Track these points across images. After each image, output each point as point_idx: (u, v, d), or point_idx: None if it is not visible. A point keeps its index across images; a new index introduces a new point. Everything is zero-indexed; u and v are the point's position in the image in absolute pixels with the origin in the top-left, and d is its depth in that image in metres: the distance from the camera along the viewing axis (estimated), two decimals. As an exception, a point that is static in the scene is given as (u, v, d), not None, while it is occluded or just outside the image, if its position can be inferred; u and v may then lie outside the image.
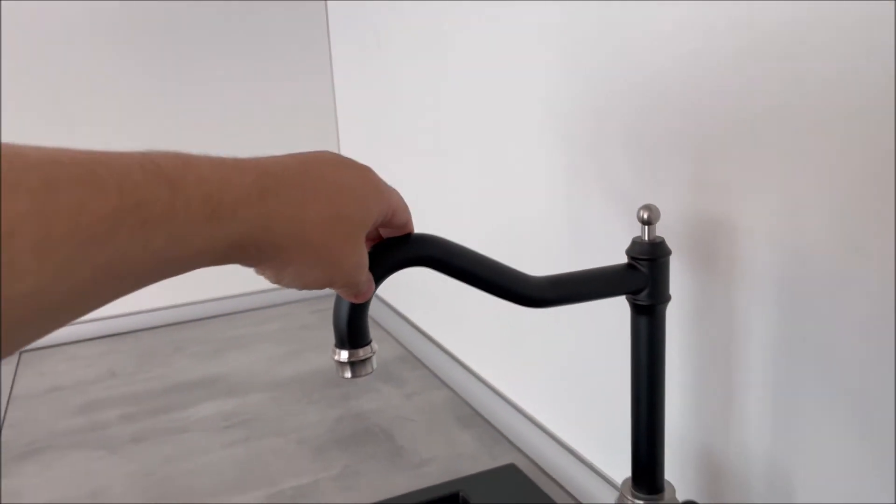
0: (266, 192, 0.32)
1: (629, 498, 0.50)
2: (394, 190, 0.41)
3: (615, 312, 0.62)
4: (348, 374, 0.41)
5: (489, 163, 0.82)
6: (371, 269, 0.39)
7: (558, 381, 0.75)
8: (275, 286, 1.33)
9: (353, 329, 0.40)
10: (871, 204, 0.41)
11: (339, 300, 0.40)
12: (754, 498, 0.52)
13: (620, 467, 0.67)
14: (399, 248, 0.41)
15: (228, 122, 1.28)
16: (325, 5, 1.31)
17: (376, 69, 1.12)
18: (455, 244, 0.42)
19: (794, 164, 0.45)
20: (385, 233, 0.42)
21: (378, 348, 0.42)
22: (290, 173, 0.34)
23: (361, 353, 0.41)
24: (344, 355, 0.41)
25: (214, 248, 0.30)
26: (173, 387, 1.03)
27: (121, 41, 1.19)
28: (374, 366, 0.42)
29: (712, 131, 0.50)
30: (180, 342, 1.20)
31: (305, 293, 1.36)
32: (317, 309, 1.31)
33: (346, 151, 1.32)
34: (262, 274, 0.36)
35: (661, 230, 0.54)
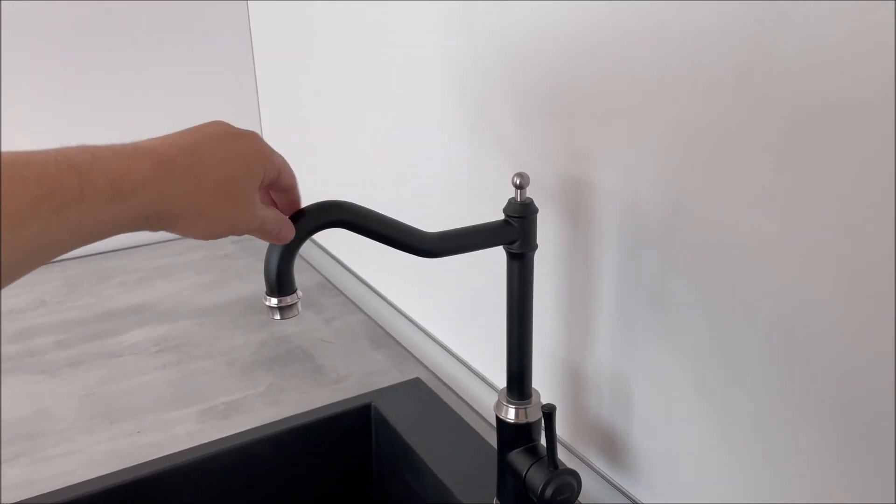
0: (161, 177, 0.39)
1: (504, 403, 0.63)
2: (278, 155, 0.48)
3: (502, 255, 0.74)
4: (278, 317, 0.50)
5: (398, 132, 0.91)
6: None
7: (458, 308, 0.87)
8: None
9: (280, 280, 0.49)
10: (692, 170, 0.53)
11: (268, 255, 0.49)
12: (603, 396, 0.66)
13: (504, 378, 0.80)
14: (318, 213, 0.50)
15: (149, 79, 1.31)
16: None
17: (294, 22, 1.16)
18: (363, 208, 0.52)
19: (634, 137, 0.56)
20: (275, 196, 0.50)
21: (302, 295, 0.51)
22: (183, 155, 0.41)
23: (289, 299, 0.50)
24: (274, 301, 0.50)
25: (121, 222, 0.38)
26: (103, 314, 1.10)
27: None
28: (300, 309, 0.50)
29: (578, 108, 0.61)
30: (106, 271, 1.26)
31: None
32: (237, 239, 1.38)
33: (266, 109, 1.37)
34: (170, 232, 0.43)
35: (539, 189, 0.65)
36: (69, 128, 1.27)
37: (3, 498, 0.72)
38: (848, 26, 0.41)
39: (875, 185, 0.41)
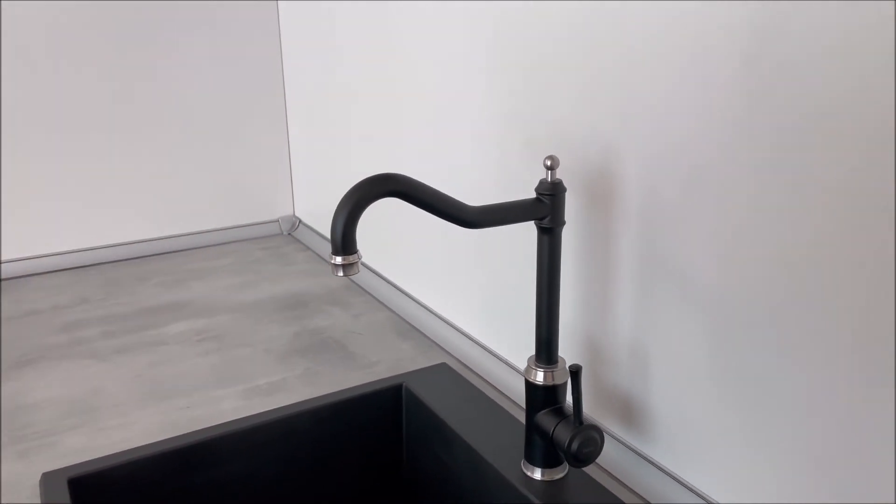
0: None
1: (533, 367, 0.69)
2: None
3: (521, 247, 0.81)
4: (341, 273, 0.57)
5: (428, 131, 0.99)
6: (354, 200, 0.56)
7: (478, 298, 0.94)
8: (227, 225, 1.47)
9: (345, 240, 0.57)
10: (703, 155, 0.60)
11: (335, 220, 0.56)
12: (621, 365, 0.73)
13: (523, 359, 0.87)
14: (376, 184, 0.57)
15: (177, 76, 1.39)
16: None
17: (323, 23, 1.25)
18: (415, 180, 0.59)
19: (652, 129, 0.64)
20: None
21: (362, 256, 0.58)
22: None
23: (351, 258, 0.57)
24: (339, 259, 0.57)
25: None
26: (145, 310, 1.17)
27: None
28: (360, 268, 0.57)
29: (602, 104, 0.69)
30: (142, 274, 1.33)
31: (255, 232, 1.50)
32: (265, 246, 1.46)
33: (293, 110, 1.46)
34: None
35: (566, 173, 0.73)
36: (89, 129, 1.35)
37: (65, 460, 0.78)
38: (850, 21, 0.48)
39: (872, 164, 0.48)
